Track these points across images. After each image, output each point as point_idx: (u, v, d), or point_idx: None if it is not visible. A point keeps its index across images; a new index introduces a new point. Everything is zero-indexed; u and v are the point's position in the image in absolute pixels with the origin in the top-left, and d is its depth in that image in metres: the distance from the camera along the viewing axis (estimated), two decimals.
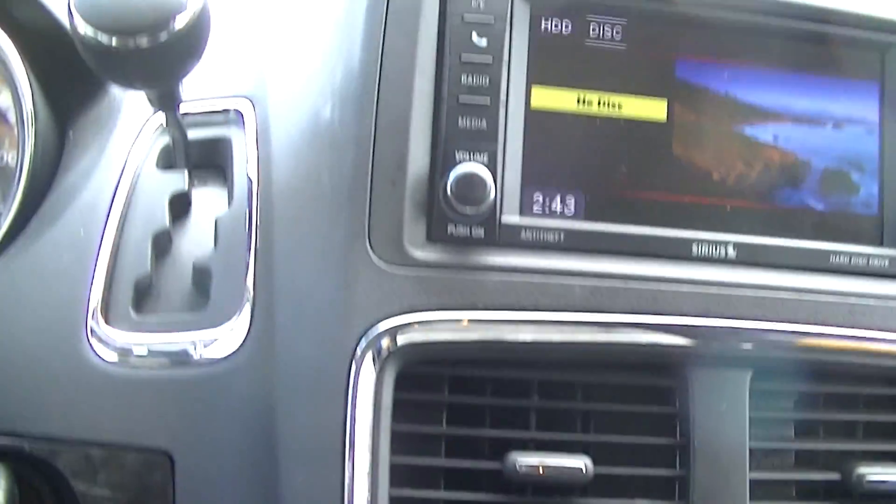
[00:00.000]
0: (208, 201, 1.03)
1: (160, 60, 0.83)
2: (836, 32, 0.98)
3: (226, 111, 1.05)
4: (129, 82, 0.90)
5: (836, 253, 0.95)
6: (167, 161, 1.03)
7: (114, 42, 0.80)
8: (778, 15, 0.96)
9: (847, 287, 0.94)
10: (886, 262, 0.96)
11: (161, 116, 1.03)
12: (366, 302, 0.84)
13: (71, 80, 1.05)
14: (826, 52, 0.97)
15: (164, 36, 0.80)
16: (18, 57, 1.02)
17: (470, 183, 0.83)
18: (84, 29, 0.80)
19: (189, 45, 0.84)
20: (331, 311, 0.85)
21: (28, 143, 1.00)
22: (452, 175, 0.83)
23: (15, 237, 0.97)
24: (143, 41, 0.80)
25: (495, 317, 0.86)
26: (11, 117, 1.04)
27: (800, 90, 0.96)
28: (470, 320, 0.85)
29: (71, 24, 0.81)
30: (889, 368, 0.96)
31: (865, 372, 0.96)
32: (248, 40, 1.11)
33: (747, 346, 0.91)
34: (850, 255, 0.95)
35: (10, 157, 1.03)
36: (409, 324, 0.84)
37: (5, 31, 1.03)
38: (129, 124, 1.04)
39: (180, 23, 0.81)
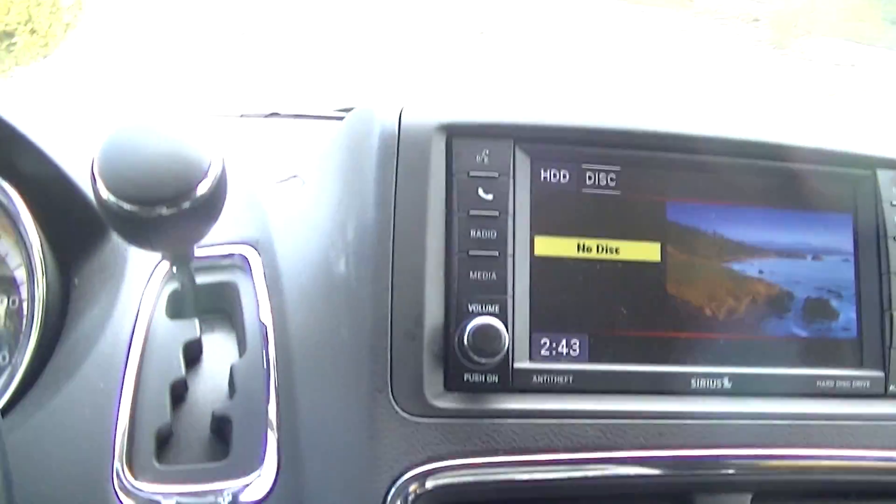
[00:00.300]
0: (217, 347, 1.05)
1: (181, 226, 0.85)
2: (811, 169, 1.05)
3: (230, 256, 1.08)
4: (149, 245, 0.91)
5: (821, 377, 1.01)
6: (175, 307, 1.05)
7: (136, 210, 0.81)
8: (757, 156, 1.03)
9: (834, 409, 1.00)
10: (868, 383, 1.02)
11: (168, 264, 1.05)
12: (393, 452, 0.88)
13: (73, 229, 1.06)
14: (803, 188, 1.04)
15: (186, 204, 0.82)
16: (25, 207, 1.03)
17: (486, 336, 0.88)
18: (107, 195, 0.81)
19: (210, 209, 0.86)
20: (359, 461, 0.89)
21: (39, 294, 1.01)
22: (469, 328, 0.88)
23: (28, 389, 0.98)
24: (165, 210, 0.81)
25: (514, 459, 0.90)
26: (11, 263, 1.05)
27: (781, 225, 1.03)
28: (491, 463, 0.90)
29: (94, 188, 0.82)
30: (879, 483, 1.02)
31: (859, 488, 1.03)
32: (245, 188, 1.14)
33: (747, 472, 0.97)
34: (835, 378, 1.01)
35: (12, 306, 1.05)
36: (436, 470, 0.88)
37: (9, 182, 1.04)
38: (137, 272, 1.05)
39: (202, 190, 0.83)
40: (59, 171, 1.05)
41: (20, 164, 1.05)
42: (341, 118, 1.69)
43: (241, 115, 1.72)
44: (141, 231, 0.85)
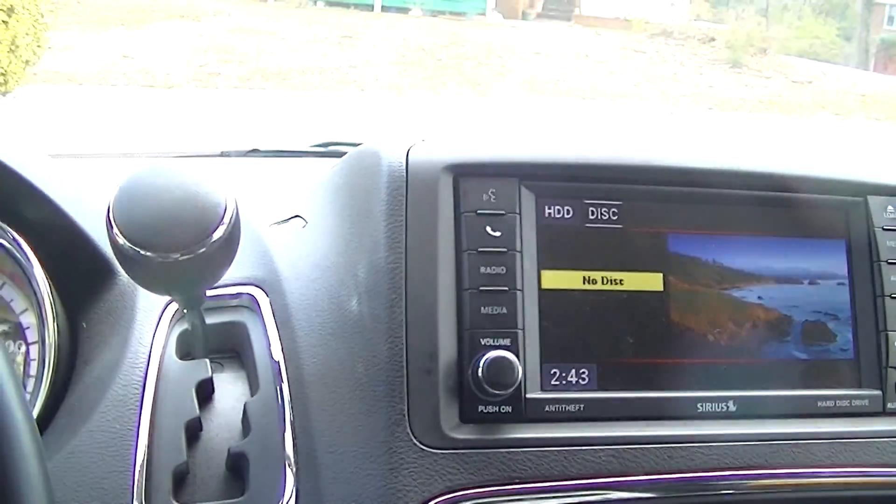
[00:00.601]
0: (228, 386, 1.06)
1: (197, 271, 0.85)
2: (805, 198, 1.09)
3: (238, 296, 1.09)
4: (164, 290, 0.93)
5: (822, 398, 1.04)
6: (185, 348, 1.05)
7: (153, 256, 0.82)
8: (754, 187, 1.07)
9: (835, 428, 1.03)
10: (867, 402, 1.06)
11: (175, 305, 1.06)
12: (412, 483, 0.90)
13: (80, 273, 1.06)
14: (798, 215, 1.08)
15: (202, 249, 0.83)
16: (32, 253, 1.03)
17: (500, 368, 0.90)
18: (123, 241, 0.82)
19: (225, 253, 0.87)
20: (378, 493, 0.90)
21: (49, 339, 1.01)
22: (483, 362, 0.91)
23: (42, 433, 0.94)
24: (181, 256, 0.82)
25: (530, 486, 0.93)
26: (16, 308, 1.05)
27: (778, 253, 1.06)
28: (508, 491, 0.92)
29: (110, 234, 0.83)
30: (880, 498, 1.06)
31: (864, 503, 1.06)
32: (247, 228, 1.15)
33: (754, 491, 1.00)
34: (835, 398, 1.05)
35: (18, 350, 1.04)
36: (454, 500, 0.91)
37: (16, 229, 1.04)
38: (146, 315, 1.05)
39: (217, 235, 0.83)
40: (65, 217, 1.05)
41: (26, 211, 1.05)
42: (320, 154, 1.71)
43: (221, 154, 1.72)
44: (157, 276, 0.86)
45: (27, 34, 7.69)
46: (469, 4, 19.50)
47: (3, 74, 7.39)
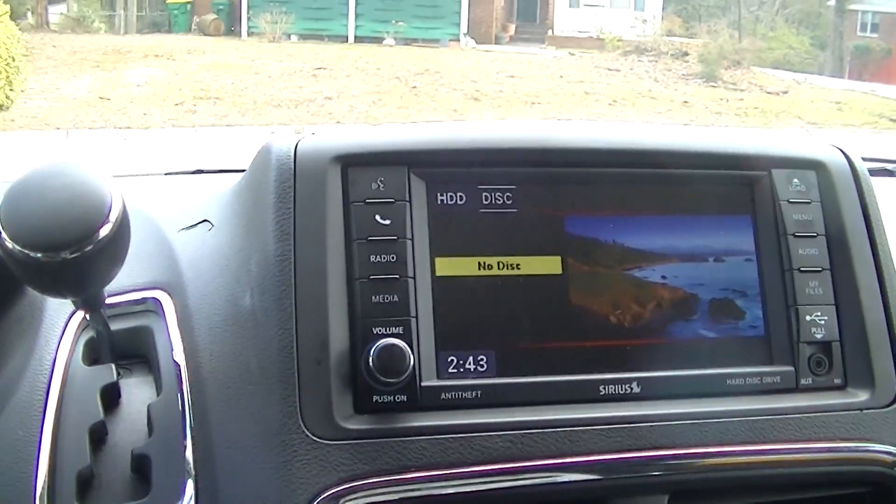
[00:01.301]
0: (136, 390, 1.05)
1: (86, 270, 0.85)
2: (707, 174, 1.08)
3: (143, 300, 1.08)
4: (56, 291, 0.91)
5: (731, 376, 1.03)
6: (92, 354, 1.05)
7: (40, 257, 0.81)
8: (651, 165, 1.06)
9: (745, 406, 1.02)
10: (778, 378, 1.04)
11: (82, 314, 1.05)
12: (306, 475, 0.89)
13: None
14: (701, 192, 1.07)
15: (89, 247, 0.82)
16: None
17: (390, 356, 0.89)
18: (11, 244, 0.81)
19: (113, 252, 0.86)
20: (273, 486, 0.90)
21: None
22: (373, 350, 0.90)
23: None
24: (68, 254, 0.82)
25: (426, 474, 0.91)
26: None
27: (681, 231, 1.05)
28: (403, 480, 0.91)
29: None
30: (796, 475, 1.04)
31: (776, 482, 1.04)
32: (155, 235, 1.15)
33: (662, 473, 0.98)
34: (745, 375, 1.03)
35: None
36: (349, 490, 0.89)
37: None
38: (52, 322, 1.05)
39: (104, 232, 0.83)
40: None
41: None
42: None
43: (166, 174, 1.72)
44: (47, 277, 0.86)
45: None
46: (442, 31, 19.66)
47: None
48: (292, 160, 0.98)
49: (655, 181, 1.06)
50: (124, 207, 0.86)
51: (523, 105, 12.19)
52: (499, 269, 0.99)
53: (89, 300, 0.97)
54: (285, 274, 0.94)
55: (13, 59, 8.16)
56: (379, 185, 0.98)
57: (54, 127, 10.03)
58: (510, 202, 1.01)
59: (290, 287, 0.94)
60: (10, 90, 8.19)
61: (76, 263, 0.83)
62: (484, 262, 0.99)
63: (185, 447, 0.94)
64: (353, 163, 0.99)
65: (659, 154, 1.07)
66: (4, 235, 0.82)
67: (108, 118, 10.72)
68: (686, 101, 13.29)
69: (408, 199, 0.98)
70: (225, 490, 0.92)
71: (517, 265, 1.00)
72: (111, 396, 1.01)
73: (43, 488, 0.92)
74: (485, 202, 1.00)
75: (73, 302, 0.99)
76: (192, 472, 0.93)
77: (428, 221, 0.99)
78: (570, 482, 0.95)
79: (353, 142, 1.00)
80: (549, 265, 1.01)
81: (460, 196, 1.00)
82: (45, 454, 0.94)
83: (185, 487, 0.93)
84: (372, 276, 0.95)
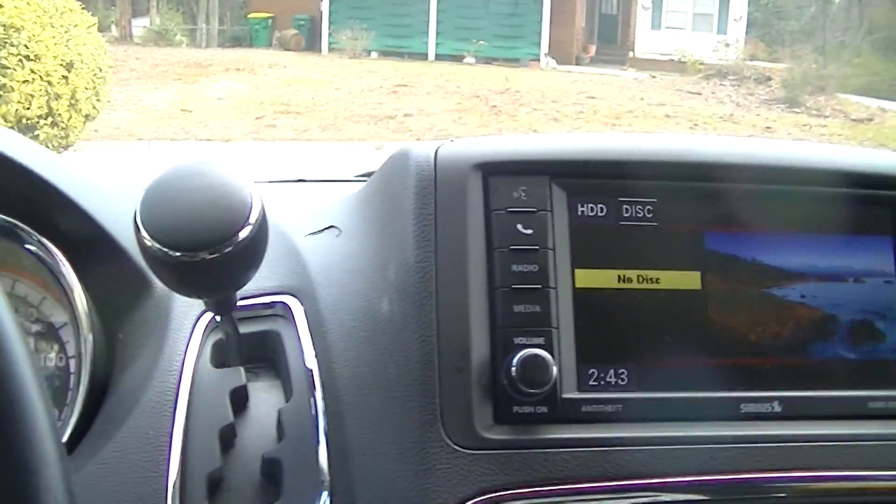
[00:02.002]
0: (263, 394, 1.05)
1: (224, 271, 0.85)
2: (849, 193, 1.06)
3: (272, 305, 1.08)
4: (193, 292, 0.92)
5: (873, 398, 1.00)
6: (219, 357, 1.05)
7: (179, 256, 0.82)
8: (794, 182, 1.04)
9: (887, 430, 0.99)
10: None
11: (209, 315, 1.06)
12: (445, 484, 0.89)
13: (116, 285, 1.07)
14: (842, 211, 1.05)
15: (228, 249, 0.83)
16: (69, 266, 1.04)
17: (534, 367, 0.88)
18: (150, 243, 0.82)
19: (251, 254, 0.86)
20: (412, 494, 0.89)
21: (85, 350, 1.02)
22: (516, 360, 0.89)
23: (79, 440, 0.98)
24: (207, 255, 0.82)
25: (566, 487, 0.90)
26: (56, 321, 1.06)
27: (821, 250, 1.03)
28: (543, 492, 0.90)
29: (137, 236, 0.83)
30: None
31: None
32: (282, 240, 1.15)
33: (801, 495, 0.96)
34: (886, 398, 1.01)
35: (59, 361, 1.05)
36: (488, 501, 0.88)
37: (52, 241, 1.05)
38: (180, 325, 1.06)
39: (244, 234, 0.83)
40: (101, 229, 1.06)
41: (62, 223, 1.06)
42: (363, 180, 1.73)
43: (270, 182, 1.75)
44: (185, 277, 0.86)
45: (87, 88, 7.87)
46: (522, 51, 19.67)
47: (64, 129, 7.57)
48: (433, 167, 0.98)
49: (796, 199, 1.04)
50: (263, 210, 0.87)
51: (604, 126, 12.14)
52: (638, 282, 0.98)
53: (222, 302, 0.97)
54: (426, 281, 0.94)
55: (100, 70, 8.31)
56: (521, 195, 0.97)
57: (136, 138, 10.21)
58: (651, 216, 1.00)
59: (431, 294, 0.94)
60: (98, 100, 8.34)
61: (215, 264, 0.83)
62: (623, 276, 0.98)
63: (318, 453, 0.94)
64: (494, 171, 0.98)
65: (800, 171, 1.05)
66: (144, 234, 0.82)
67: (190, 130, 10.89)
68: (768, 127, 13.15)
69: (549, 209, 0.97)
70: (360, 497, 0.92)
71: (657, 279, 0.98)
72: (240, 399, 1.02)
73: (174, 488, 0.92)
74: (625, 215, 0.99)
75: (205, 303, 1.00)
76: (327, 478, 0.93)
77: (569, 232, 0.98)
78: (709, 500, 0.94)
79: (494, 150, 1.00)
80: (688, 280, 0.99)
81: (601, 208, 0.99)
82: (176, 455, 0.94)
83: (319, 494, 0.93)
84: (514, 286, 0.94)
